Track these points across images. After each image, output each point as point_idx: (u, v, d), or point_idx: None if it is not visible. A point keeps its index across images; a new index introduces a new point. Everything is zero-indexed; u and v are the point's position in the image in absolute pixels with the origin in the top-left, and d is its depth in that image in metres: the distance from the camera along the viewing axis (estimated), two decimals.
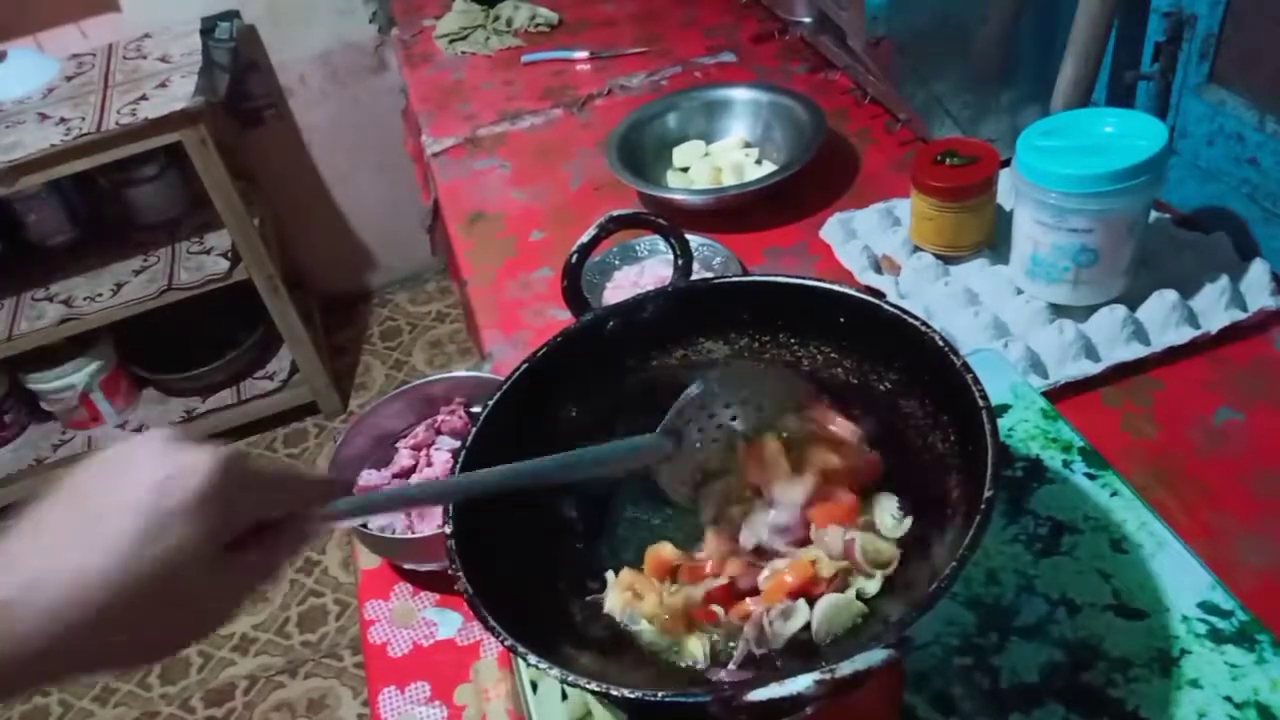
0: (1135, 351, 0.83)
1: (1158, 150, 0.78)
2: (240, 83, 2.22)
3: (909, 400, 0.62)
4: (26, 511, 0.41)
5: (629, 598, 0.61)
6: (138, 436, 0.44)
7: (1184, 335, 0.83)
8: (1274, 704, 0.57)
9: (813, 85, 1.35)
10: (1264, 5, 0.86)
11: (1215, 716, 0.57)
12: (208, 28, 2.09)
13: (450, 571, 0.53)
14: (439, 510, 0.81)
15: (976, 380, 0.55)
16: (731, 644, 0.58)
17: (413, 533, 0.81)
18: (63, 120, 1.82)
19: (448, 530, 0.56)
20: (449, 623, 0.79)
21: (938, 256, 0.96)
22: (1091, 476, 0.72)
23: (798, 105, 1.19)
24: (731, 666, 0.57)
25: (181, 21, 2.11)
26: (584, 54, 1.56)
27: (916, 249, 0.98)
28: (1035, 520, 0.70)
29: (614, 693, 0.47)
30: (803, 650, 0.57)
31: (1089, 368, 0.82)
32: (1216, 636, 0.61)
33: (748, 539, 0.62)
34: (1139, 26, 0.98)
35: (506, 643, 0.50)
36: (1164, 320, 0.84)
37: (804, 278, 0.66)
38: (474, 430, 0.61)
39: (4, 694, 0.39)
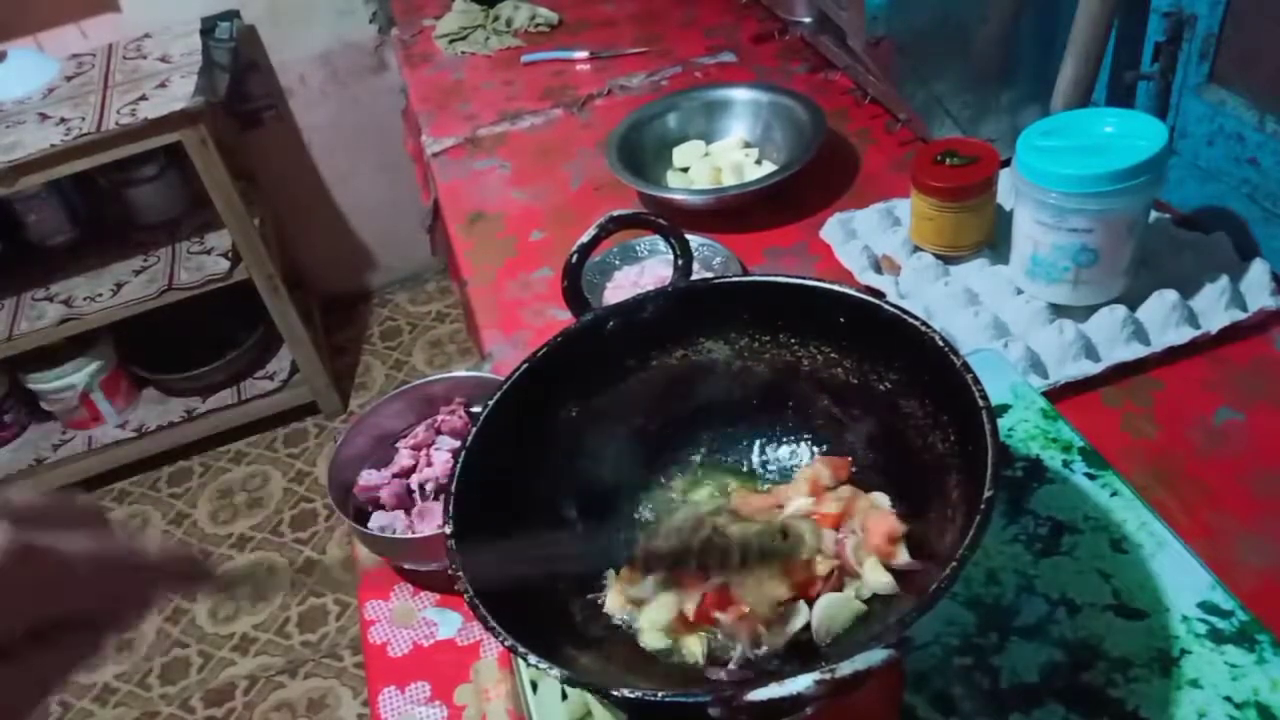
0: (1135, 351, 0.83)
1: (1158, 150, 0.78)
2: (240, 83, 2.22)
3: (909, 400, 0.62)
4: None
5: (629, 597, 0.61)
6: None
7: (1184, 335, 0.83)
8: (1274, 704, 0.57)
9: (813, 85, 1.35)
10: (1264, 5, 0.86)
11: (1215, 716, 0.57)
12: (208, 28, 2.09)
13: (450, 572, 0.53)
14: (439, 510, 0.82)
15: (977, 380, 0.55)
16: (730, 644, 0.58)
17: (413, 533, 0.81)
18: (63, 120, 1.83)
19: (448, 530, 0.56)
20: (449, 623, 0.79)
21: (938, 256, 0.96)
22: (1091, 476, 0.72)
23: (798, 105, 1.19)
24: (731, 666, 0.57)
25: (181, 21, 2.11)
26: (584, 54, 1.56)
27: (916, 249, 0.98)
28: (1035, 520, 0.70)
29: (614, 693, 0.47)
30: (803, 650, 0.57)
31: (1089, 368, 0.82)
32: (1216, 636, 0.61)
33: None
34: (1139, 26, 0.98)
35: (506, 643, 0.50)
36: (1164, 320, 0.84)
37: (804, 278, 0.66)
38: (474, 430, 0.61)
39: None
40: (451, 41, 1.69)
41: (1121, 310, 0.84)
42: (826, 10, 1.20)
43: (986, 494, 0.49)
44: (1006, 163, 0.89)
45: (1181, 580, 0.65)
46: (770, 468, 0.70)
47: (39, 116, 1.86)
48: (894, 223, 1.03)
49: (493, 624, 0.50)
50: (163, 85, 1.88)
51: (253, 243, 2.02)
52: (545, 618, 0.58)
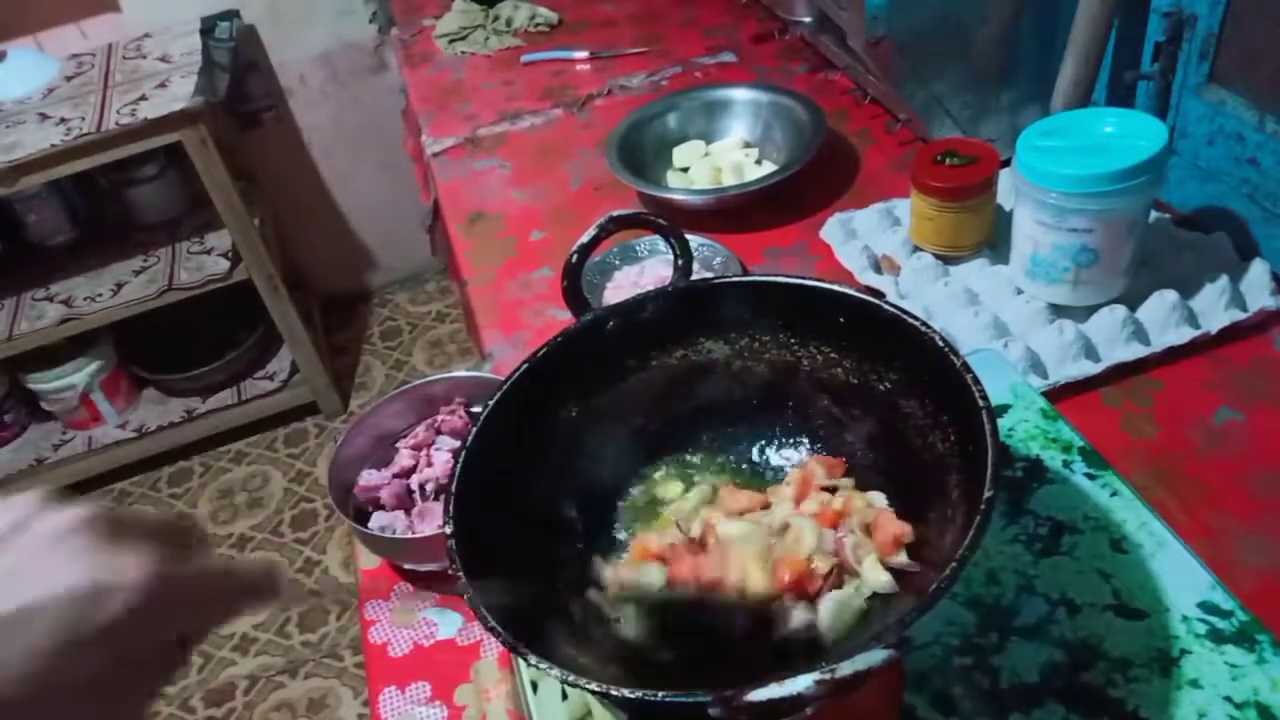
0: (1135, 351, 0.83)
1: (1158, 150, 0.78)
2: (240, 83, 2.22)
3: (909, 400, 0.62)
4: None
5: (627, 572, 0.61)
6: (38, 513, 0.35)
7: (1184, 335, 0.83)
8: (1274, 704, 0.57)
9: (813, 85, 1.35)
10: (1264, 5, 0.86)
11: (1215, 717, 0.57)
12: (208, 28, 2.09)
13: (450, 571, 0.53)
14: (439, 510, 0.82)
15: (977, 380, 0.55)
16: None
17: (413, 532, 0.81)
18: (63, 120, 1.83)
19: (448, 530, 0.56)
20: (449, 623, 0.79)
21: (937, 256, 0.96)
22: (1091, 476, 0.72)
23: (798, 105, 1.19)
24: None
25: (181, 21, 2.11)
26: (584, 54, 1.56)
27: (916, 249, 0.98)
28: (1035, 520, 0.70)
29: (614, 693, 0.47)
30: (808, 649, 0.57)
31: (1089, 368, 0.82)
32: (1216, 636, 0.61)
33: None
34: (1139, 26, 0.98)
35: (507, 643, 0.50)
36: (1164, 320, 0.84)
37: (804, 278, 0.66)
38: (474, 430, 0.61)
39: None
40: (451, 41, 1.69)
41: (1121, 310, 0.84)
42: (826, 10, 1.20)
43: (986, 494, 0.49)
44: (1006, 163, 0.89)
45: (1181, 580, 0.65)
46: (769, 467, 0.70)
47: (39, 116, 1.86)
48: (894, 223, 1.03)
49: (493, 624, 0.50)
50: (163, 85, 1.88)
51: (253, 243, 2.02)
52: (545, 618, 0.58)
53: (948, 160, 0.93)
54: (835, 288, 0.64)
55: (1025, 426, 0.77)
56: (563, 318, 1.02)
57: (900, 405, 0.63)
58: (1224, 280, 0.84)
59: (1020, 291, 0.90)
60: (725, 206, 1.12)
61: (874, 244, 1.01)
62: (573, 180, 1.27)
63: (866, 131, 1.24)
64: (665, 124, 1.25)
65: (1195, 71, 0.93)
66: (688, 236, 0.72)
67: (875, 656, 0.43)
